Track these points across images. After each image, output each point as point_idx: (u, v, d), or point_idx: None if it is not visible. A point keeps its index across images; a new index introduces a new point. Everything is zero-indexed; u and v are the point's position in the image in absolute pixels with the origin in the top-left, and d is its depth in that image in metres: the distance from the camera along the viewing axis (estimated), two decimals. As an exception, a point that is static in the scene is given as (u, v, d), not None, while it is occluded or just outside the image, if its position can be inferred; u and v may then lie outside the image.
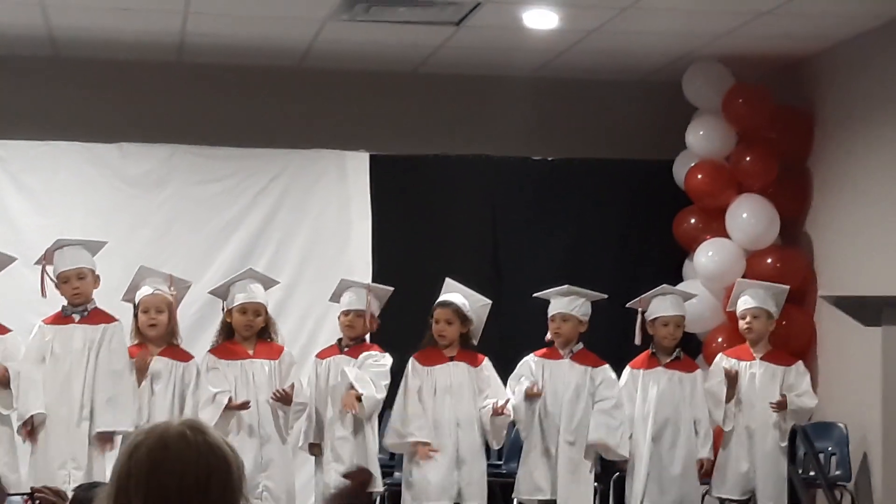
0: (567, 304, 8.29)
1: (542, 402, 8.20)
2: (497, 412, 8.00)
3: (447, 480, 7.97)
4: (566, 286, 8.34)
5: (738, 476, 8.28)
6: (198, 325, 8.81)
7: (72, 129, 9.48)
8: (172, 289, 7.93)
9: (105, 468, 7.42)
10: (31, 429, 7.58)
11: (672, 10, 8.42)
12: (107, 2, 8.45)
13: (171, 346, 7.94)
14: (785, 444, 8.24)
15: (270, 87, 9.99)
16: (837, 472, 8.61)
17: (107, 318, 7.82)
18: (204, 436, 2.56)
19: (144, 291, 7.88)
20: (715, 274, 9.36)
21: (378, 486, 7.90)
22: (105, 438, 7.60)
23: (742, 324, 8.49)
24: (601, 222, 10.03)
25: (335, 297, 8.26)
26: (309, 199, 9.57)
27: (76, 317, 7.80)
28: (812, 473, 8.49)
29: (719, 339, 9.26)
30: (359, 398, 7.83)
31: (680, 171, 9.81)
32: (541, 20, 8.70)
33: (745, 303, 8.46)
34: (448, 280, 8.24)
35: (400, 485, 8.19)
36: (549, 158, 10.17)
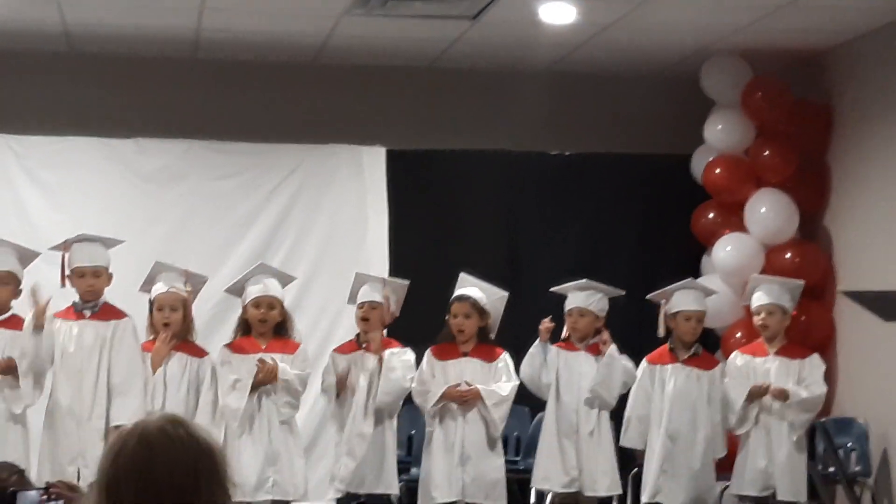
0: (584, 298, 8.26)
1: (558, 392, 8.18)
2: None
3: (451, 477, 7.94)
4: (584, 280, 8.31)
5: (757, 472, 8.22)
6: (214, 320, 8.79)
7: (88, 124, 9.49)
8: (188, 284, 7.91)
9: None
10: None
11: (689, 3, 8.38)
12: (122, -3, 8.46)
13: (185, 342, 7.92)
14: (795, 438, 8.16)
15: (286, 83, 9.98)
16: (857, 468, 8.57)
17: (118, 315, 7.82)
18: (185, 429, 2.57)
19: (159, 289, 7.86)
20: (733, 269, 9.31)
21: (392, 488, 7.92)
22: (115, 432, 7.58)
23: (757, 320, 8.43)
24: (618, 217, 9.99)
25: (352, 298, 8.21)
26: (325, 194, 9.56)
27: (87, 312, 7.80)
28: (832, 469, 8.45)
29: (738, 335, 9.21)
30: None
31: (698, 165, 9.77)
32: (557, 14, 8.66)
33: (759, 299, 8.40)
34: (463, 274, 8.20)
35: (417, 481, 8.17)
36: (566, 153, 10.14)
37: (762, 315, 8.37)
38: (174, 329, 7.84)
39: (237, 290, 8.07)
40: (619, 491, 8.24)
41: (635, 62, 9.90)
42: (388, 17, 8.73)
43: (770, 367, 8.32)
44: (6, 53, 9.52)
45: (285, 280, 8.17)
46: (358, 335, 8.19)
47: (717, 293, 8.78)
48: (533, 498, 8.44)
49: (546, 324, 8.18)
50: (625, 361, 8.20)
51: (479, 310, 8.10)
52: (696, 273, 9.55)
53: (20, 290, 7.78)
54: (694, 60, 9.63)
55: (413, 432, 8.63)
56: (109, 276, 7.86)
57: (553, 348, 8.26)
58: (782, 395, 8.15)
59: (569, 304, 8.29)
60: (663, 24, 8.86)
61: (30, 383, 7.65)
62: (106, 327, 7.75)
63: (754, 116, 9.55)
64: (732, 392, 8.23)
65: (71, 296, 7.86)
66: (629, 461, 8.52)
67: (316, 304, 9.26)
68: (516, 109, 10.14)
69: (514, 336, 8.65)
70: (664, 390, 8.24)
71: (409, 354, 8.08)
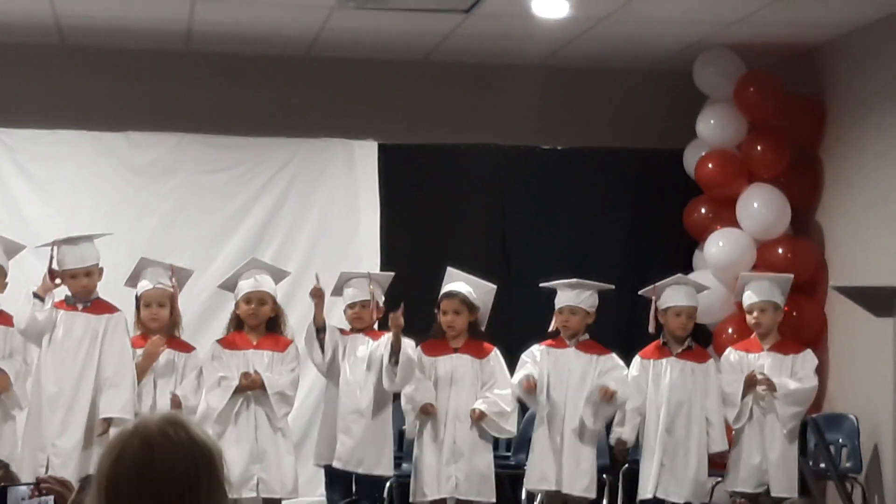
0: (575, 296, 8.24)
1: (548, 391, 8.16)
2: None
3: (442, 473, 7.94)
4: (574, 279, 8.29)
5: (751, 469, 8.22)
6: (206, 315, 8.80)
7: (79, 117, 9.46)
8: (174, 279, 7.90)
9: (89, 461, 7.36)
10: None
11: (682, -3, 8.37)
12: (113, -10, 8.43)
13: (172, 337, 7.92)
14: (786, 431, 8.16)
15: (278, 76, 9.95)
16: (848, 464, 8.57)
17: (110, 309, 7.81)
18: (185, 430, 2.56)
19: (145, 286, 7.85)
20: (725, 264, 9.30)
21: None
22: (104, 424, 7.57)
23: (750, 318, 8.43)
24: (610, 212, 9.99)
25: (337, 291, 8.21)
26: (317, 188, 9.54)
27: (80, 306, 7.80)
28: (823, 465, 8.44)
29: (729, 330, 9.21)
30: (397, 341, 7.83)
31: (690, 160, 9.76)
32: (550, 8, 8.64)
33: (750, 297, 8.39)
34: (450, 268, 8.19)
35: (408, 476, 8.16)
36: (559, 147, 10.13)
37: (755, 313, 8.37)
38: (161, 325, 7.84)
39: (230, 285, 8.06)
40: (594, 496, 8.17)
41: (628, 56, 9.89)
42: (380, 11, 8.71)
43: (764, 363, 8.32)
44: (-3, 46, 9.50)
45: (278, 275, 8.16)
46: (350, 329, 8.17)
47: (709, 289, 8.77)
48: (524, 494, 8.43)
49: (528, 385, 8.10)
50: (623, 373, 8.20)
51: (468, 305, 8.09)
52: (688, 268, 9.55)
53: (6, 284, 7.76)
54: (686, 55, 9.62)
55: (405, 427, 8.61)
56: (101, 271, 7.85)
57: (542, 347, 8.25)
58: (771, 386, 8.16)
59: (559, 302, 8.27)
60: (656, 19, 8.85)
61: (22, 384, 7.64)
62: (98, 321, 7.74)
63: (747, 111, 9.54)
64: (728, 387, 8.23)
65: (62, 288, 7.84)
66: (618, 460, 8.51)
67: (307, 299, 9.20)
68: (509, 103, 10.13)
69: (505, 330, 8.65)
70: (659, 385, 8.23)
71: (407, 341, 8.06)
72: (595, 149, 10.06)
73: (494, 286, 8.23)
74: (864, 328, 8.30)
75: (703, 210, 9.70)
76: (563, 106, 10.21)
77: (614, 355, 8.25)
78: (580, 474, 8.11)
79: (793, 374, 8.30)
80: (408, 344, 7.93)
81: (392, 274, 8.27)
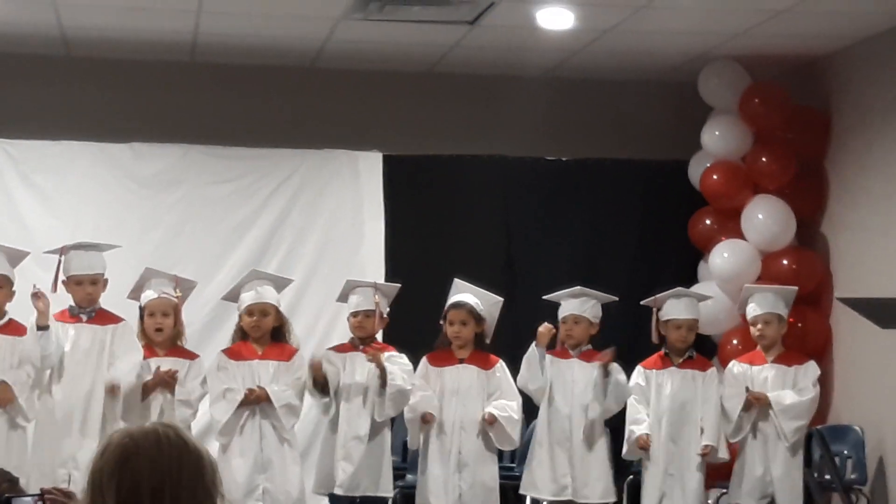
0: (579, 305, 8.25)
1: (550, 399, 8.17)
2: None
3: (448, 484, 7.93)
4: (577, 287, 8.29)
5: (755, 481, 8.21)
6: (210, 326, 8.80)
7: (84, 128, 9.47)
8: (178, 290, 7.90)
9: None
10: None
11: (688, 9, 8.37)
12: (119, 1, 8.43)
13: (176, 347, 7.93)
14: (788, 445, 8.14)
15: (283, 87, 9.96)
16: (853, 476, 8.55)
17: (114, 319, 7.83)
18: (174, 430, 2.60)
19: (149, 295, 7.86)
20: (730, 275, 9.29)
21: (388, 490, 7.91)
22: (112, 389, 7.61)
23: (754, 330, 8.41)
24: (615, 223, 9.98)
25: (342, 298, 8.22)
26: (322, 199, 9.55)
27: (84, 317, 7.81)
28: (828, 477, 8.43)
29: (734, 342, 9.19)
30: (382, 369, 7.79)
31: (695, 171, 9.76)
32: (555, 19, 8.65)
33: (754, 309, 8.38)
34: (457, 280, 8.20)
35: (412, 488, 8.16)
36: (563, 159, 10.13)
37: (759, 325, 8.36)
38: (166, 335, 7.84)
39: (233, 296, 8.07)
40: (614, 498, 8.22)
41: (633, 68, 9.90)
42: (385, 22, 8.72)
43: (767, 375, 8.31)
44: (2, 57, 9.51)
45: (281, 283, 8.16)
46: (352, 339, 8.17)
47: (711, 299, 8.77)
48: (528, 501, 8.43)
49: (545, 327, 8.14)
50: (621, 377, 8.20)
51: (475, 316, 8.09)
52: (693, 279, 9.55)
53: (14, 292, 7.77)
54: (692, 66, 9.62)
55: (408, 438, 8.60)
56: (105, 282, 7.87)
57: (546, 356, 8.25)
58: (766, 402, 8.14)
59: (563, 312, 8.27)
60: (661, 30, 8.86)
61: (28, 396, 7.64)
62: (104, 331, 7.77)
63: (752, 122, 9.54)
64: (727, 402, 8.22)
65: (63, 299, 7.84)
66: (625, 468, 8.51)
67: (312, 309, 9.25)
68: (514, 115, 10.13)
69: (510, 342, 8.63)
70: (661, 395, 8.23)
71: (405, 358, 8.06)
72: (600, 160, 10.06)
73: (501, 299, 8.24)
74: (869, 340, 8.30)
75: (707, 221, 9.70)
76: (567, 117, 10.22)
77: (615, 364, 8.24)
78: (594, 481, 8.11)
79: (795, 385, 8.29)
80: (398, 372, 7.90)
81: (398, 286, 8.27)
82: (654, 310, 8.33)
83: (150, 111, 9.71)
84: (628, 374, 8.28)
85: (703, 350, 8.78)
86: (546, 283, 8.64)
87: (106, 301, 7.88)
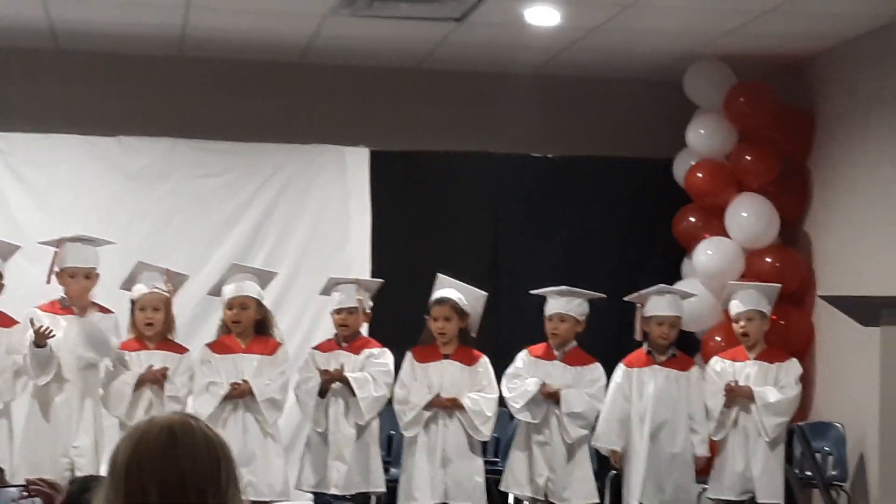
0: (565, 304, 8.27)
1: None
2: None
3: (433, 480, 7.97)
4: (564, 287, 8.32)
5: (735, 476, 8.26)
6: (196, 319, 8.81)
7: (72, 122, 9.48)
8: (169, 284, 7.93)
9: (100, 459, 7.44)
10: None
11: (674, 8, 8.41)
12: (108, -5, 8.46)
13: (166, 341, 7.95)
14: (769, 441, 8.20)
15: (271, 82, 9.98)
16: (834, 472, 8.61)
17: (102, 311, 7.91)
18: (200, 424, 2.57)
19: (140, 290, 7.88)
20: (714, 273, 9.35)
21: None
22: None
23: (737, 328, 8.47)
24: (601, 220, 10.02)
25: (325, 292, 8.26)
26: (309, 194, 9.57)
27: (75, 308, 7.86)
28: (809, 473, 8.49)
29: (717, 338, 9.25)
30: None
31: (680, 169, 9.80)
32: (543, 17, 8.68)
33: (737, 306, 8.43)
34: (440, 276, 8.23)
35: (395, 481, 8.20)
36: (550, 156, 10.17)
37: (742, 322, 8.41)
38: (156, 329, 7.88)
39: (216, 291, 8.11)
40: (596, 499, 8.23)
41: (619, 66, 9.93)
42: (373, 18, 8.74)
43: (749, 372, 8.36)
44: (-9, 50, 9.53)
45: (265, 277, 8.19)
46: (336, 335, 8.21)
47: (695, 296, 8.82)
48: (511, 500, 8.46)
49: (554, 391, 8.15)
50: (577, 408, 8.22)
51: (458, 311, 8.12)
52: (677, 276, 9.59)
53: (2, 285, 7.79)
54: (677, 65, 9.67)
55: (393, 432, 8.65)
56: (97, 276, 7.92)
57: (528, 357, 8.28)
58: (749, 395, 8.20)
59: (549, 310, 8.30)
60: (647, 29, 8.90)
61: (9, 378, 7.66)
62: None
63: (737, 121, 9.59)
64: (710, 400, 8.27)
65: (55, 290, 7.87)
66: (606, 466, 8.54)
67: (297, 304, 9.27)
68: (501, 112, 10.16)
69: (496, 338, 8.68)
70: (643, 393, 8.27)
71: (386, 357, 8.09)
72: (586, 157, 10.10)
73: (485, 293, 8.27)
74: (851, 337, 8.34)
75: (692, 219, 9.75)
76: (554, 115, 10.25)
77: (598, 366, 8.28)
78: (578, 483, 8.13)
79: (777, 382, 8.34)
80: (370, 379, 7.94)
81: (380, 281, 8.31)
82: (638, 306, 8.37)
83: (138, 105, 9.72)
84: (609, 372, 8.31)
85: (687, 347, 8.83)
86: (532, 279, 8.69)
87: (95, 294, 7.93)
